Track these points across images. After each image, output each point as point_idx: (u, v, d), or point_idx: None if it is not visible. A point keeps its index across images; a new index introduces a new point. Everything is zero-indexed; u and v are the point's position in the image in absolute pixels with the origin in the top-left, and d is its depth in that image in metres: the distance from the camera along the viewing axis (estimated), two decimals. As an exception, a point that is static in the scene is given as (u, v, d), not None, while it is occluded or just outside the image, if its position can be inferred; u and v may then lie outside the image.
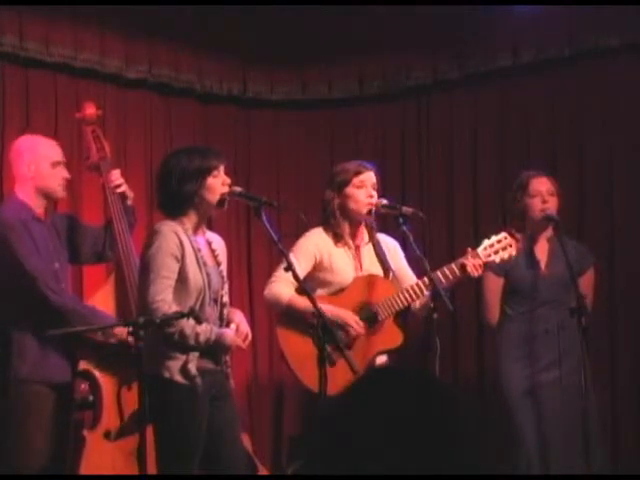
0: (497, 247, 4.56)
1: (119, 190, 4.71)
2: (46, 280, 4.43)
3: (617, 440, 5.67)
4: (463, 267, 4.44)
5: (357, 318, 4.45)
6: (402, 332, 4.50)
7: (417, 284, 4.49)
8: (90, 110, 4.92)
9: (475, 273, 4.47)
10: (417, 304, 4.54)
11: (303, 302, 4.26)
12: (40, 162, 4.52)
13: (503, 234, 4.59)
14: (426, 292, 4.47)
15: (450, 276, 4.45)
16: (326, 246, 4.54)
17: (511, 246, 4.58)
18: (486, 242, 4.57)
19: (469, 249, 4.53)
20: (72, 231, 4.70)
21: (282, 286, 4.38)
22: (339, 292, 4.51)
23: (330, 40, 6.41)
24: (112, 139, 5.90)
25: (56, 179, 4.54)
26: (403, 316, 4.56)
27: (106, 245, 4.74)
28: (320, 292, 4.51)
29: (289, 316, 4.44)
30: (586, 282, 5.16)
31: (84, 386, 4.70)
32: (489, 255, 4.53)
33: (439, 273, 4.45)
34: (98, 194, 5.67)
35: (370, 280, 4.54)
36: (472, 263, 4.45)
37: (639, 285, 5.76)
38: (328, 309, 4.35)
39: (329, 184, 4.61)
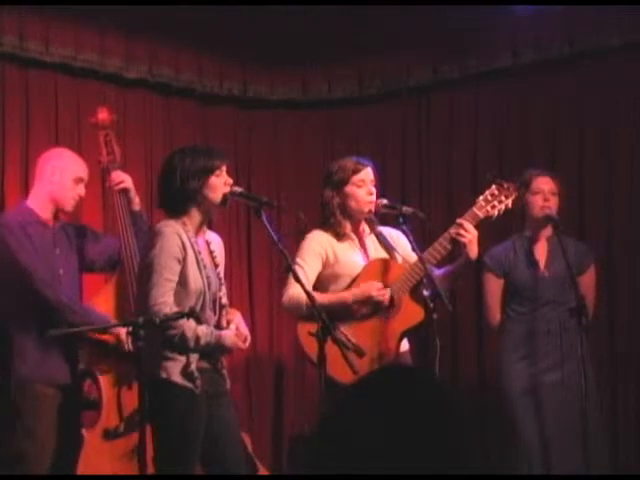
0: (493, 201, 4.52)
1: (120, 187, 4.72)
2: (41, 275, 4.44)
3: (617, 440, 5.67)
4: (451, 237, 4.42)
5: (377, 284, 4.42)
6: (422, 307, 4.45)
7: (419, 259, 4.45)
8: (103, 115, 4.93)
9: (464, 239, 4.40)
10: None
11: (322, 297, 4.25)
12: (65, 172, 4.56)
13: (495, 187, 4.55)
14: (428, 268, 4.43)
15: (443, 251, 4.42)
16: (329, 243, 4.52)
17: (506, 197, 4.54)
18: (480, 198, 4.55)
19: (458, 220, 4.49)
20: (85, 240, 4.71)
21: (297, 289, 4.32)
22: (351, 283, 4.49)
23: (330, 40, 6.41)
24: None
25: (72, 193, 4.57)
26: (418, 291, 4.51)
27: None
28: (332, 288, 4.49)
29: (310, 316, 4.39)
30: (586, 281, 5.16)
31: (86, 386, 4.70)
32: (487, 211, 4.51)
33: (431, 250, 4.44)
34: (98, 195, 5.68)
35: (379, 264, 4.51)
36: (456, 231, 4.41)
37: (639, 285, 5.76)
38: (350, 293, 4.38)
39: (327, 183, 4.57)
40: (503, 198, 4.53)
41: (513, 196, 4.56)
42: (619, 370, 5.76)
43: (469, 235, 4.40)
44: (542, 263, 5.14)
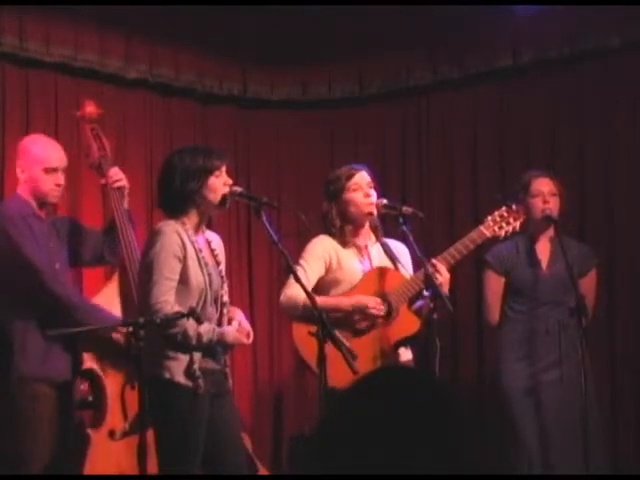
0: (500, 222, 4.56)
1: (118, 184, 4.69)
2: (47, 270, 4.39)
3: (617, 440, 5.67)
4: (426, 278, 4.39)
5: (375, 298, 4.43)
6: (417, 318, 4.47)
7: (422, 272, 4.46)
8: (90, 108, 4.85)
9: (436, 280, 4.33)
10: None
11: (319, 300, 4.24)
12: (32, 167, 4.45)
13: (504, 208, 4.58)
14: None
15: (420, 284, 4.41)
16: (334, 248, 4.53)
17: (515, 219, 4.58)
18: (489, 218, 4.58)
19: (432, 260, 4.45)
20: (73, 234, 4.65)
21: (296, 290, 4.33)
22: (351, 289, 4.49)
23: (330, 40, 6.41)
24: (112, 139, 5.90)
25: (47, 185, 4.45)
26: (416, 303, 4.52)
27: (105, 249, 4.70)
28: (333, 293, 4.50)
29: (305, 317, 4.39)
30: (588, 283, 5.16)
31: (83, 386, 4.68)
32: (494, 230, 4.55)
33: (406, 286, 4.46)
34: (98, 194, 5.68)
35: (380, 272, 4.52)
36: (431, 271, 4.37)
37: (639, 285, 5.76)
38: (345, 299, 4.39)
39: (325, 195, 4.59)
40: (511, 220, 4.58)
41: (521, 219, 4.62)
42: (619, 370, 5.76)
43: (440, 278, 4.36)
44: (544, 263, 5.15)
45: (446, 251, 4.49)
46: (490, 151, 6.25)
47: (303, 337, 4.28)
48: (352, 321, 4.41)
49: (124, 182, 4.70)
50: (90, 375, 4.62)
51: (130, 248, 4.63)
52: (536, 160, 5.94)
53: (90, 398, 4.66)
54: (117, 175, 4.70)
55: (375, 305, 4.40)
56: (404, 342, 4.50)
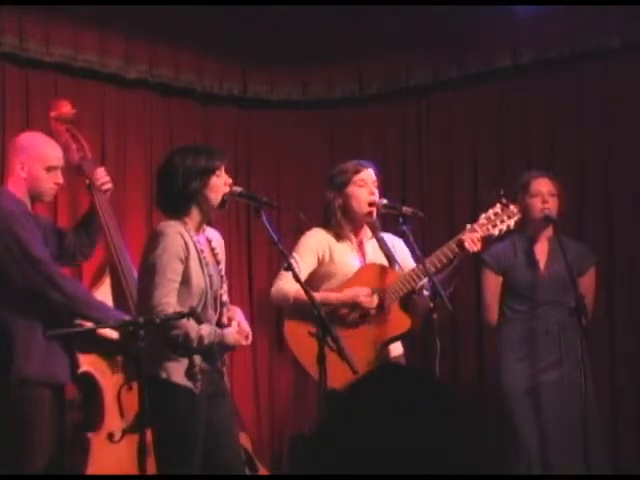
0: (495, 220, 4.53)
1: (106, 187, 4.65)
2: (55, 267, 4.36)
3: (617, 440, 5.67)
4: (460, 243, 4.40)
5: (364, 290, 4.42)
6: (409, 317, 4.47)
7: (417, 267, 4.47)
8: (66, 108, 4.76)
9: (473, 248, 4.39)
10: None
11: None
12: (34, 164, 4.36)
13: (499, 206, 4.56)
14: (424, 278, 4.43)
15: (450, 254, 4.40)
16: (327, 241, 4.55)
17: (509, 217, 4.55)
18: (482, 216, 4.56)
19: (468, 225, 4.50)
20: (50, 233, 4.57)
21: (288, 282, 4.36)
22: (344, 284, 4.50)
23: (330, 40, 6.41)
24: (112, 139, 5.91)
25: (47, 183, 4.38)
26: (409, 301, 4.53)
27: (77, 248, 4.63)
28: (325, 286, 4.51)
29: (297, 314, 4.40)
30: (587, 282, 5.17)
31: (73, 389, 4.67)
32: (487, 229, 4.52)
33: (438, 253, 4.44)
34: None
35: (374, 269, 4.53)
36: (470, 237, 4.39)
37: (639, 285, 5.76)
38: (336, 296, 4.40)
39: (329, 185, 4.60)
40: (505, 218, 4.54)
41: (516, 217, 4.56)
42: (619, 370, 5.76)
43: (475, 248, 4.41)
44: (542, 263, 5.15)
45: (438, 250, 4.48)
46: (490, 151, 6.25)
47: (299, 342, 4.31)
48: (342, 314, 4.41)
49: (110, 184, 4.67)
50: (87, 379, 4.60)
51: (118, 247, 4.61)
52: (536, 160, 5.94)
53: (79, 399, 4.66)
54: (104, 177, 4.65)
55: (365, 298, 4.41)
56: (396, 340, 4.51)
